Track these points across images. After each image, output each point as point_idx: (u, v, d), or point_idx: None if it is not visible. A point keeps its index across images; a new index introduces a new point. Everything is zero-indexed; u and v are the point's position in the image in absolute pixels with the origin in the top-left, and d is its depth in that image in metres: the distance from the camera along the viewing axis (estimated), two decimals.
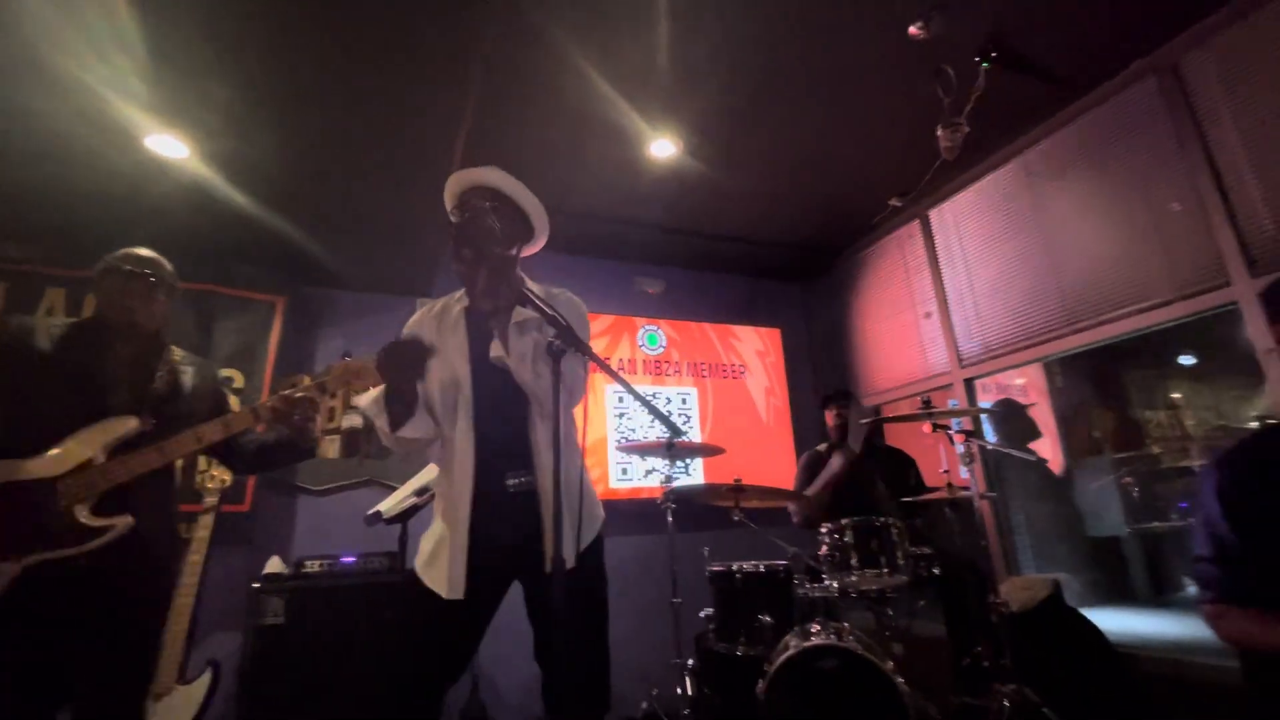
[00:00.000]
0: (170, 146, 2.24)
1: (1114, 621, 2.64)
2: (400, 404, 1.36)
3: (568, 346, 1.29)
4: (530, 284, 1.52)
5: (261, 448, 1.77)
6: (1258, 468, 1.19)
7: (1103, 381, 4.60)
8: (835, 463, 2.80)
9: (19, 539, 1.37)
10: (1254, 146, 2.26)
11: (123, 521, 1.45)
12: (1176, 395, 5.12)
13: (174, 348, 1.73)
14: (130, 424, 1.51)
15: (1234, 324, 2.37)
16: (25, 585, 1.35)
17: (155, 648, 1.65)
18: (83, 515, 1.42)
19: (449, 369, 1.43)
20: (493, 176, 1.52)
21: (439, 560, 1.36)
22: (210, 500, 2.48)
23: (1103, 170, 2.74)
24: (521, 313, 1.44)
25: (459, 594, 1.31)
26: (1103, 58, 2.58)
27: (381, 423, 1.38)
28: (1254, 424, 4.95)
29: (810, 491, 2.86)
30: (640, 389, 3.13)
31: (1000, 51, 2.43)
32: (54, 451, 1.43)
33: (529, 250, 1.61)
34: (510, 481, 1.40)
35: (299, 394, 1.62)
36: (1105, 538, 3.88)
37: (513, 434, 1.43)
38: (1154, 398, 5.00)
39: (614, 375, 1.39)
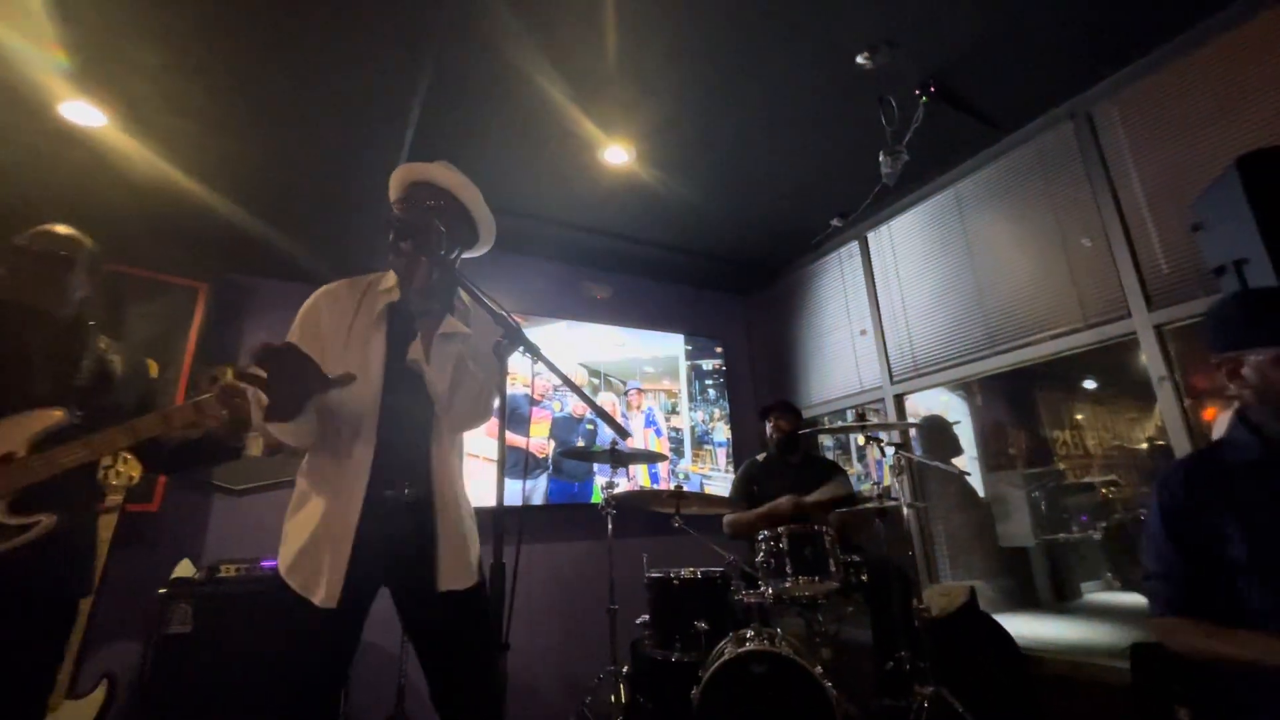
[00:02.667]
0: (87, 114, 2.08)
1: (1021, 626, 2.82)
2: (277, 415, 1.20)
3: (514, 346, 1.27)
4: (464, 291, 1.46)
5: (184, 444, 1.61)
6: (1194, 488, 1.25)
7: (1017, 402, 4.94)
8: (785, 503, 2.80)
9: None
10: (1151, 193, 2.49)
11: (46, 520, 1.34)
12: (1080, 416, 5.57)
13: (100, 335, 1.60)
14: (55, 416, 1.39)
15: (1132, 352, 2.60)
16: None
17: (60, 657, 1.50)
18: (1, 513, 1.30)
19: (361, 373, 1.34)
20: (445, 176, 1.47)
21: (312, 565, 1.27)
22: (115, 498, 2.28)
23: (1024, 204, 2.95)
24: (451, 323, 1.39)
25: (333, 603, 1.24)
26: (1028, 101, 2.79)
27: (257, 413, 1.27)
28: (1144, 445, 5.44)
29: (750, 516, 2.88)
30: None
31: (938, 88, 2.58)
32: None
33: (469, 255, 1.57)
34: (392, 492, 1.34)
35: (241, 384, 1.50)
36: (1015, 548, 4.15)
37: (412, 443, 1.38)
38: (1060, 418, 5.41)
39: (562, 376, 1.37)
